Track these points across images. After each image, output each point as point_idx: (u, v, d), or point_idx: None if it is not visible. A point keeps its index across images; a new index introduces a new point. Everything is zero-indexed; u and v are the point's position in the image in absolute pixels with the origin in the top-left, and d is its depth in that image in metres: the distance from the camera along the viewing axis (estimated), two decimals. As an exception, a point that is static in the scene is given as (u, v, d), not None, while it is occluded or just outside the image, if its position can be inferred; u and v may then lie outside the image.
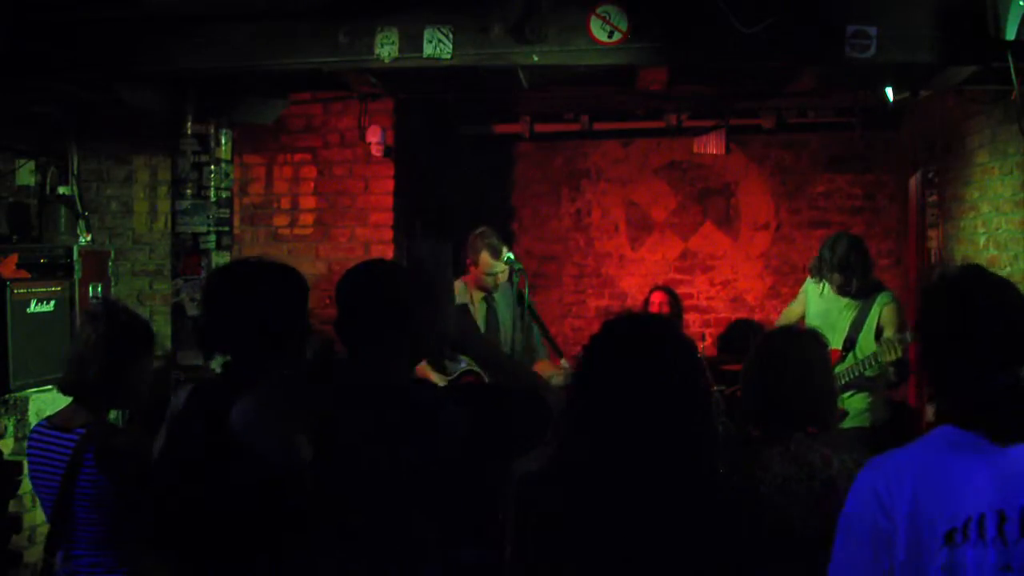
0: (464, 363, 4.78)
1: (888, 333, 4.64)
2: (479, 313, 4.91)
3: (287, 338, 2.35)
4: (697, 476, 1.82)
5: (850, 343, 4.74)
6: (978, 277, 1.78)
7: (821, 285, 4.88)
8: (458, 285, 4.94)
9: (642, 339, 1.90)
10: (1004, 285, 1.77)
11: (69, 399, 2.80)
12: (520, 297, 4.92)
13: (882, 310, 4.72)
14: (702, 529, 1.77)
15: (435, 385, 2.39)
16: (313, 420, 2.06)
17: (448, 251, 2.32)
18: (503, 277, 4.90)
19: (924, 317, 1.81)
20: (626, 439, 1.79)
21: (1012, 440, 1.68)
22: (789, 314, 5.15)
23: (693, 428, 1.81)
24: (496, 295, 4.96)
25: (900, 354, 4.45)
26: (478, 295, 4.93)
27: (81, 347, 2.80)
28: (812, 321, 4.83)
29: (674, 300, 6.55)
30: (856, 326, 4.72)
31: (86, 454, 2.70)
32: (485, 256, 4.82)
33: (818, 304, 4.88)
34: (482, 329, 4.86)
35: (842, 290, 4.74)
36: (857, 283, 4.70)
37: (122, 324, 2.83)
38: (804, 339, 2.72)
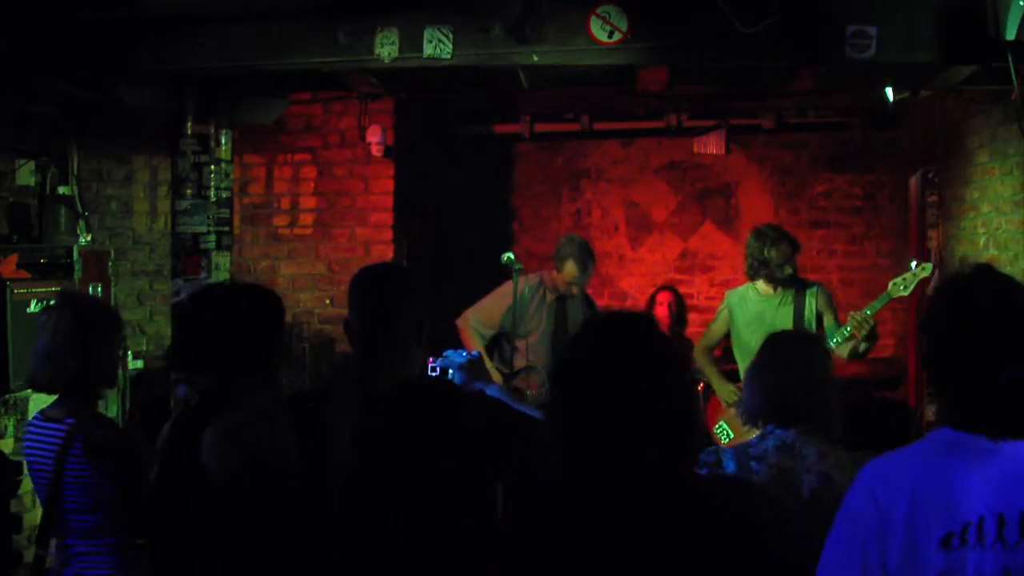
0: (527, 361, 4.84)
1: (828, 318, 4.75)
2: (548, 311, 4.92)
3: (263, 361, 2.36)
4: (670, 472, 1.81)
5: None
6: (985, 277, 1.77)
7: (747, 290, 4.90)
8: (533, 277, 4.94)
9: (601, 338, 1.90)
10: (1011, 285, 1.75)
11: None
12: (593, 307, 5.00)
13: (816, 298, 4.81)
14: (676, 526, 1.76)
15: (456, 385, 2.40)
16: (290, 440, 2.08)
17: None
18: (577, 290, 4.90)
19: (930, 317, 1.80)
20: (593, 439, 1.79)
21: (1011, 440, 1.66)
22: (710, 335, 5.10)
23: (661, 423, 1.80)
24: (569, 299, 4.97)
25: (870, 327, 4.42)
26: (551, 294, 4.93)
27: (50, 342, 2.83)
28: (749, 326, 4.78)
29: (679, 300, 6.54)
30: (798, 317, 4.77)
31: (74, 443, 2.75)
32: (571, 265, 4.84)
33: (751, 309, 4.86)
34: (549, 327, 4.90)
35: (782, 270, 4.75)
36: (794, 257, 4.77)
37: (87, 311, 2.90)
38: (806, 340, 2.75)
